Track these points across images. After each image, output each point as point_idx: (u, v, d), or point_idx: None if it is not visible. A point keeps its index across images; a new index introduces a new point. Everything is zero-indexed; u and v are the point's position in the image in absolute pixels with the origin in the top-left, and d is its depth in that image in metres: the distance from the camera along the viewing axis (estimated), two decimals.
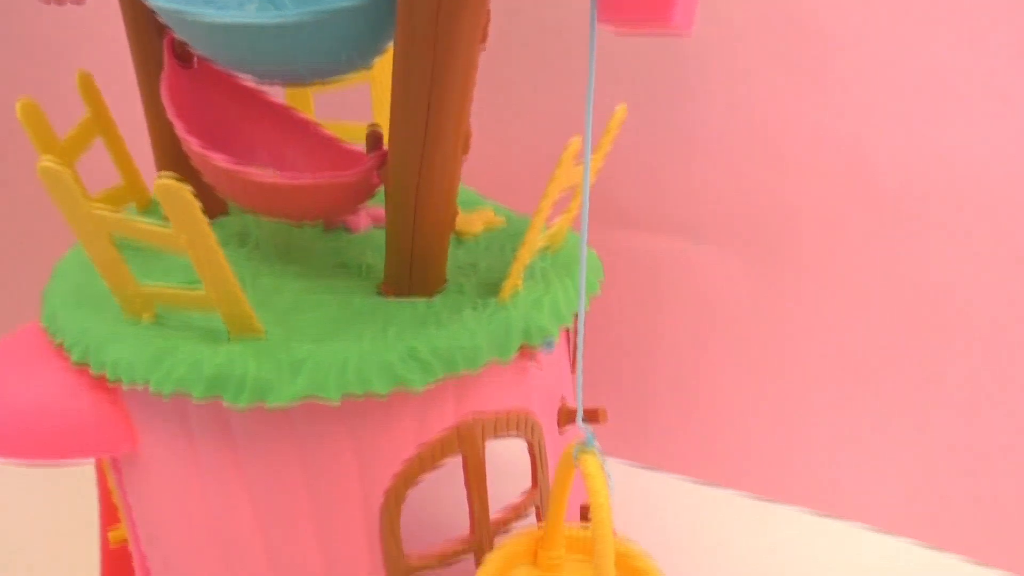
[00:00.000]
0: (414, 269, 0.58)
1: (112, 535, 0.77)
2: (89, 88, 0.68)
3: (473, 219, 0.71)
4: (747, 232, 0.94)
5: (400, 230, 0.57)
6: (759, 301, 0.95)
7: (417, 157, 0.53)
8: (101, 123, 0.69)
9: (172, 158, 0.69)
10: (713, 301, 0.97)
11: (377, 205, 0.74)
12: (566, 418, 0.72)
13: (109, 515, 0.78)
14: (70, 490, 1.04)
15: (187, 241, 0.48)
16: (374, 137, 0.57)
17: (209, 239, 0.48)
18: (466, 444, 0.61)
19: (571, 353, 0.74)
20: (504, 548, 0.62)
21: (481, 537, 0.65)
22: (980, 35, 0.78)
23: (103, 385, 0.56)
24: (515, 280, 0.59)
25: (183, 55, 0.65)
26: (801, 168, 0.89)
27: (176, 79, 0.65)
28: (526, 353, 0.62)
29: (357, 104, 0.84)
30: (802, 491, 1.01)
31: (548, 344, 0.64)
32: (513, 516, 0.68)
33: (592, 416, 0.68)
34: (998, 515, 0.93)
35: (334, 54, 0.53)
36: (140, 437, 0.57)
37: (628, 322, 1.01)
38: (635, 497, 1.06)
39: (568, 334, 0.74)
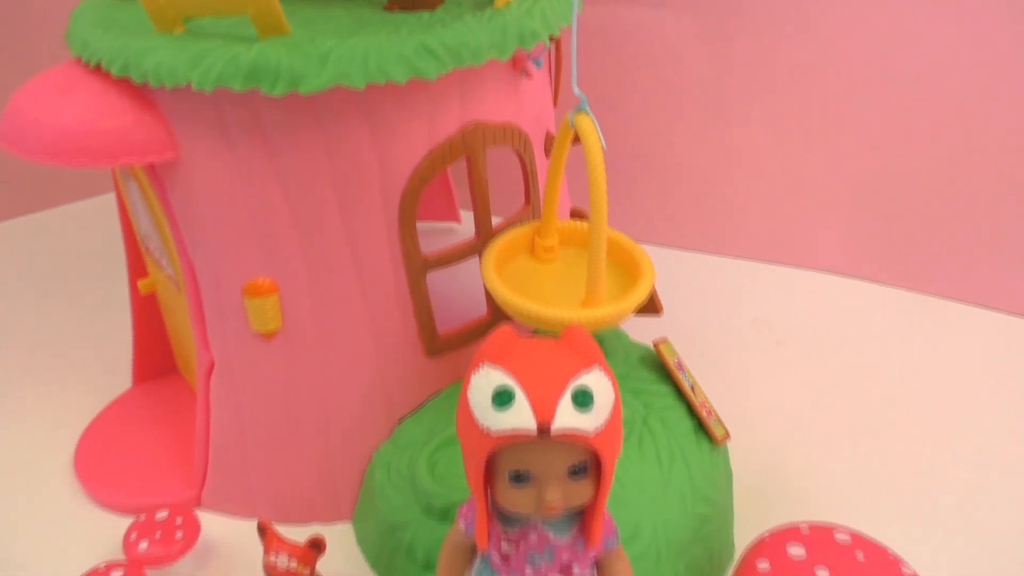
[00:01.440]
0: None
1: (141, 284, 0.84)
2: None
3: None
4: None
5: None
6: (711, 64, 1.04)
7: None
8: None
9: None
10: (667, 66, 1.05)
11: None
12: (551, 145, 0.80)
13: (137, 267, 0.85)
14: (99, 246, 1.13)
15: None
16: None
17: None
18: (470, 148, 0.69)
19: (553, 84, 0.82)
20: (503, 239, 0.71)
21: (486, 240, 0.74)
22: None
23: (144, 98, 0.62)
24: None
25: None
26: None
27: None
28: (519, 63, 0.69)
29: None
30: (754, 244, 1.13)
31: (536, 60, 0.71)
32: (509, 227, 0.76)
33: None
34: (920, 247, 1.05)
35: None
36: (181, 144, 0.63)
37: (594, 90, 1.08)
38: None
39: (550, 65, 0.81)
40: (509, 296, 0.63)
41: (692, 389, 0.74)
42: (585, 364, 0.47)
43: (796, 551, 0.59)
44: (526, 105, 0.74)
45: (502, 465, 0.48)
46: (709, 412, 0.73)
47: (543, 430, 0.45)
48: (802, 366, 0.95)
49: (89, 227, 1.21)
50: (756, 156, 1.09)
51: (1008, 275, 1.02)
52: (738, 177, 1.11)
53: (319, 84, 0.58)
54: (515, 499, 0.49)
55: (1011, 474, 0.80)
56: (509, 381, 0.46)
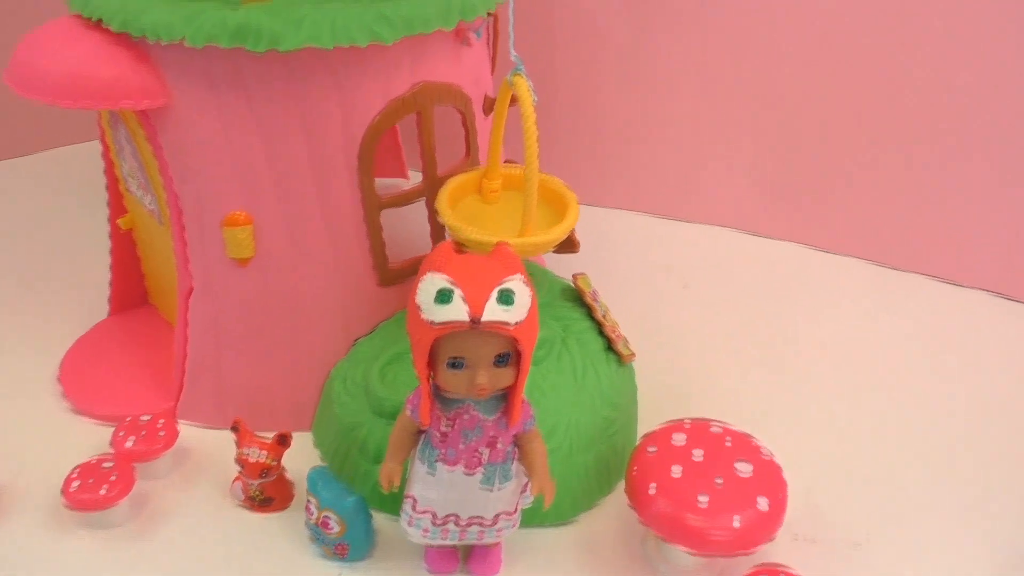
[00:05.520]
0: None
1: (121, 222, 0.94)
2: None
3: None
4: None
5: None
6: (631, 37, 1.17)
7: None
8: None
9: None
10: (594, 41, 1.18)
11: None
12: (489, 107, 0.92)
13: (117, 207, 0.95)
14: (82, 189, 1.23)
15: None
16: None
17: None
18: (419, 104, 0.81)
19: (490, 53, 0.94)
20: (454, 181, 0.83)
21: (431, 185, 0.86)
22: None
23: (140, 50, 0.73)
24: None
25: None
26: None
27: None
28: (461, 34, 0.81)
29: None
30: (670, 201, 1.27)
31: (477, 31, 0.83)
32: (454, 173, 0.88)
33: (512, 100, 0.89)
34: (823, 205, 1.20)
35: None
36: (173, 93, 0.74)
37: (526, 57, 1.20)
38: None
39: (488, 37, 0.93)
40: (459, 225, 0.76)
41: (604, 315, 0.87)
42: (509, 273, 0.60)
43: (679, 439, 0.73)
44: (467, 69, 0.86)
45: (442, 354, 0.61)
46: (618, 335, 0.87)
47: (474, 321, 0.57)
48: (705, 306, 1.09)
49: (72, 171, 1.31)
50: (671, 121, 1.23)
51: (886, 231, 1.17)
52: (654, 140, 1.25)
53: (294, 44, 0.69)
54: (452, 382, 0.61)
55: (868, 390, 0.96)
56: (449, 284, 0.58)
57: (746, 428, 0.76)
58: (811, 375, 0.98)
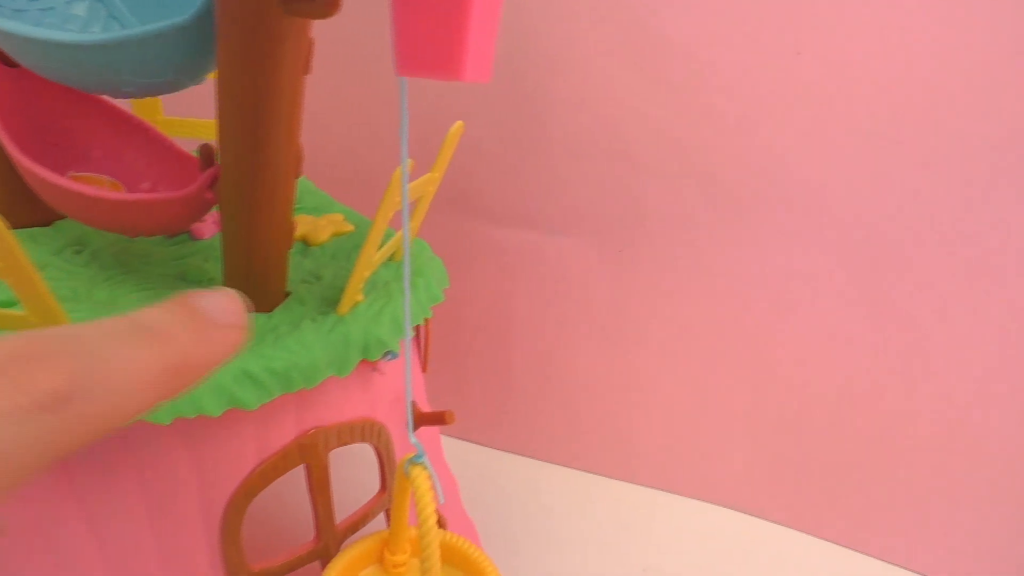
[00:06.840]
0: (251, 286, 0.58)
1: None
2: None
3: (322, 225, 0.71)
4: (598, 225, 0.98)
5: (235, 247, 0.57)
6: (609, 289, 1.00)
7: (248, 178, 0.53)
8: None
9: None
10: (567, 290, 1.00)
11: None
12: (420, 420, 0.73)
13: None
14: None
15: (4, 271, 0.47)
16: (207, 153, 0.56)
17: (27, 271, 0.47)
18: (308, 455, 0.62)
19: (421, 354, 0.76)
20: (350, 551, 0.63)
21: (327, 543, 0.66)
22: (807, 46, 0.83)
23: None
24: (354, 294, 0.60)
25: (6, 58, 0.63)
26: (647, 166, 0.93)
27: (0, 83, 0.63)
28: (368, 364, 0.63)
29: (208, 100, 0.83)
30: (650, 469, 1.07)
31: (392, 354, 0.65)
32: (362, 520, 0.69)
33: (439, 419, 0.70)
34: (823, 487, 1.00)
35: (159, 73, 0.52)
36: None
37: (487, 311, 1.03)
38: (494, 481, 1.09)
39: (418, 337, 0.75)
40: None
41: None
42: None
43: None
44: (381, 392, 0.68)
45: None
46: None
47: None
48: None
49: None
50: (654, 377, 1.05)
51: (912, 532, 0.97)
52: (635, 399, 1.06)
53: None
54: None
55: None
56: None
57: None
58: None
